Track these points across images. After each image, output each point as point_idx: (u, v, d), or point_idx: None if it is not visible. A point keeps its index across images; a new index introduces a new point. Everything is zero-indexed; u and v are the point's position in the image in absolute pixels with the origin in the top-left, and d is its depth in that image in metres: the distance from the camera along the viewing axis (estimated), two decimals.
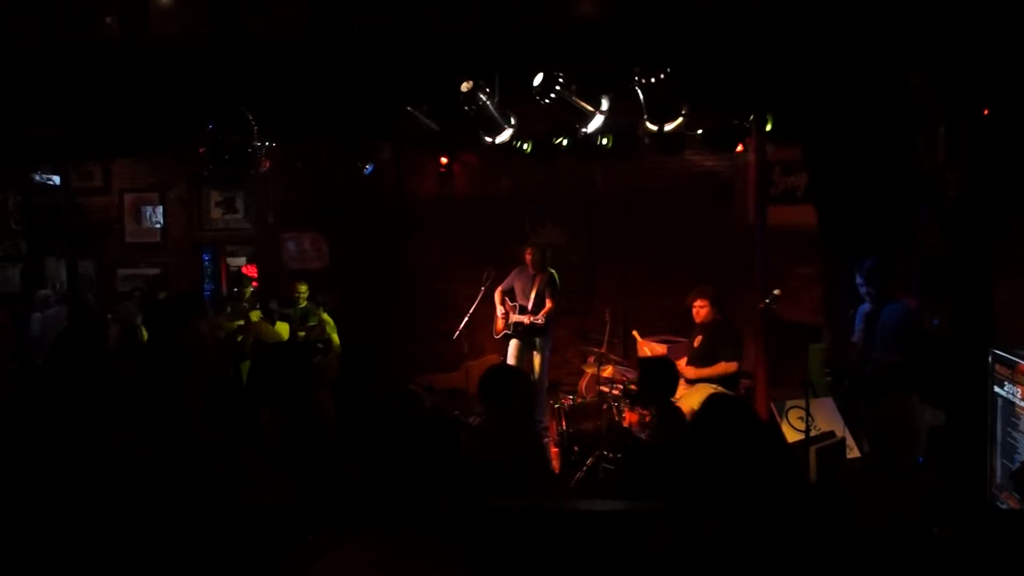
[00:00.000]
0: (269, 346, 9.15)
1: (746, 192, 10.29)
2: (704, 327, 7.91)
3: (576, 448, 7.75)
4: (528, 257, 9.54)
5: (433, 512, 2.35)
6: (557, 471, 7.73)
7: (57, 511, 4.15)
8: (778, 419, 5.94)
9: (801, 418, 5.81)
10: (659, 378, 5.96)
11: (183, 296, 9.63)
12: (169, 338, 7.94)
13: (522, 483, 4.45)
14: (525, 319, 9.35)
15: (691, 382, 7.74)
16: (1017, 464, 4.10)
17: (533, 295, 9.41)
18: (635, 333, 9.30)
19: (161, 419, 6.29)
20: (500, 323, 9.67)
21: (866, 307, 6.74)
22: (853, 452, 6.05)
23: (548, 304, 9.29)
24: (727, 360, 7.66)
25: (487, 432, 4.95)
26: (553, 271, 9.52)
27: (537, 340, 9.43)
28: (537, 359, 9.42)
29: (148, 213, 11.98)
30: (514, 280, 9.66)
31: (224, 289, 12.23)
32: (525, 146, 8.61)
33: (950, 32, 5.46)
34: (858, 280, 6.71)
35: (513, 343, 9.56)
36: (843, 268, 7.12)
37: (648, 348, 9.02)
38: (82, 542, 4.00)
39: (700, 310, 8.02)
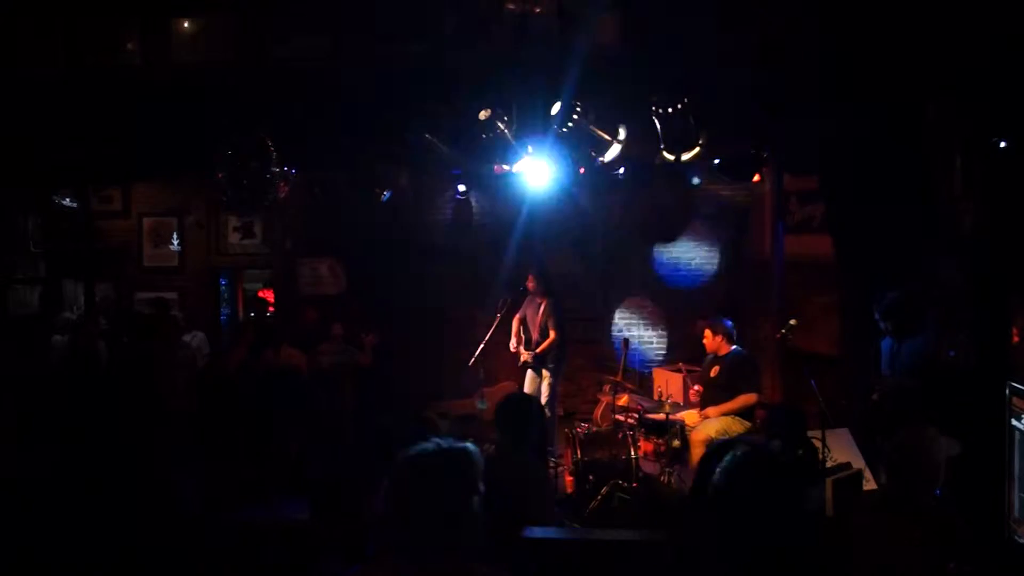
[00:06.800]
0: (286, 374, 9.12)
1: (763, 221, 10.30)
2: (720, 358, 7.87)
3: (591, 477, 7.69)
4: (530, 283, 9.58)
5: (454, 537, 2.36)
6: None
7: (65, 526, 4.16)
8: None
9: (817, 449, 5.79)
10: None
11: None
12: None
13: (525, 514, 4.41)
14: (526, 356, 9.42)
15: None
16: None
17: (538, 324, 9.44)
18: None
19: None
20: (515, 352, 9.65)
21: (890, 341, 6.72)
22: (870, 484, 6.01)
23: (550, 336, 9.30)
24: (747, 392, 7.62)
25: (497, 461, 4.90)
26: (553, 296, 9.53)
27: (543, 370, 9.44)
28: (545, 388, 9.41)
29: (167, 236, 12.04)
30: (526, 308, 9.67)
31: (241, 313, 12.27)
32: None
33: (967, 65, 5.47)
34: (876, 316, 6.69)
35: (528, 371, 9.56)
36: (860, 298, 7.10)
37: (664, 375, 8.98)
38: (92, 559, 4.01)
39: (704, 340, 7.99)
